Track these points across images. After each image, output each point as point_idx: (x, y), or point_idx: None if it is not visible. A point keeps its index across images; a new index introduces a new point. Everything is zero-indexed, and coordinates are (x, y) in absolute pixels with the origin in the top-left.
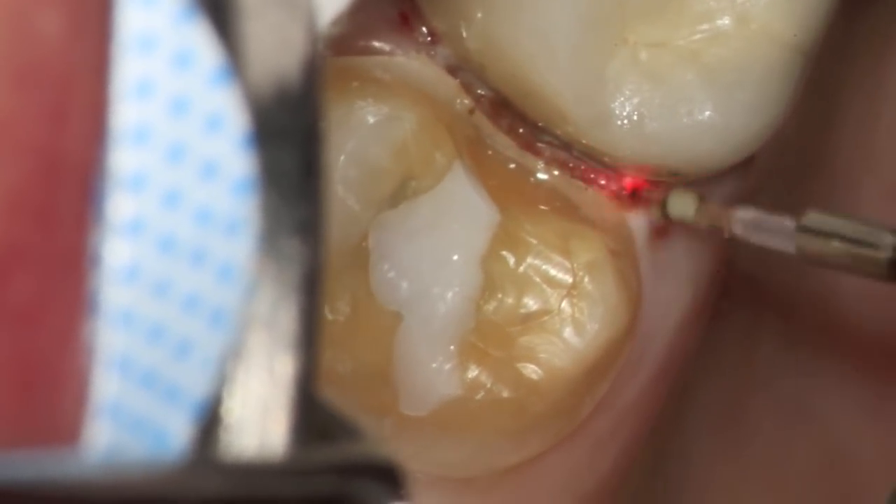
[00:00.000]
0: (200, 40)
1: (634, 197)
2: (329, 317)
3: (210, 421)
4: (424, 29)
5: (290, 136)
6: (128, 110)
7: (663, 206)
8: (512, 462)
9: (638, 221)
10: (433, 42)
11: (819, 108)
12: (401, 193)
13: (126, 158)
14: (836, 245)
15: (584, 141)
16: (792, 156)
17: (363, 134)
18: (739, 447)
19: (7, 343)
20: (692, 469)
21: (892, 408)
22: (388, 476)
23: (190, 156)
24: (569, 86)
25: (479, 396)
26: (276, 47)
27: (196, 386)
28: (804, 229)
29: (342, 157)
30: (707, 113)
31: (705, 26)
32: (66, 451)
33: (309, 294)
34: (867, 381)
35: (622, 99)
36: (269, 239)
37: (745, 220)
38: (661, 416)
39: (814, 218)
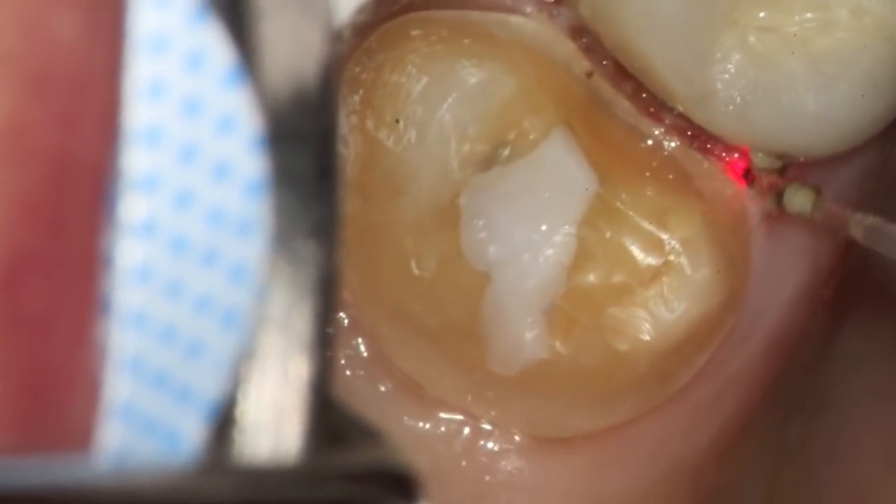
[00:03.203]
0: (213, 41)
1: (749, 176)
2: (416, 272)
3: (224, 423)
4: None
5: (306, 137)
6: (140, 111)
7: (780, 197)
8: (601, 426)
9: (754, 196)
10: (557, 3)
11: None
12: (495, 157)
13: (138, 159)
14: None
15: (690, 117)
16: None
17: (461, 93)
18: None
19: (20, 349)
20: (836, 432)
21: None
22: (404, 483)
23: (202, 157)
24: (672, 63)
25: (565, 362)
26: (293, 49)
27: (209, 387)
28: None
29: (438, 115)
30: (809, 102)
31: (818, 15)
32: (77, 456)
33: (324, 296)
34: None
35: (726, 81)
36: (284, 241)
37: (865, 226)
38: (785, 385)
39: None
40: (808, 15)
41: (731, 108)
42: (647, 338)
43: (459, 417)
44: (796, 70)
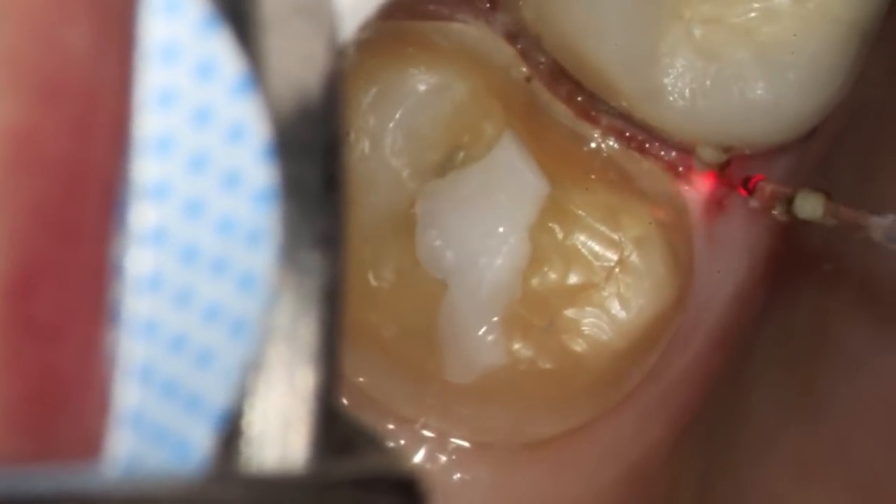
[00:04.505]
0: (223, 50)
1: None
2: (374, 283)
3: (231, 433)
4: None
5: (311, 149)
6: (151, 120)
7: (789, 205)
8: (558, 431)
9: (693, 193)
10: (492, 9)
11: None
12: (449, 163)
13: (149, 168)
14: None
15: (636, 115)
16: (868, 123)
17: (413, 102)
18: (810, 414)
19: (32, 357)
20: (756, 436)
21: None
22: (409, 490)
23: (212, 165)
24: (620, 60)
25: (522, 367)
26: (298, 61)
27: (218, 396)
28: None
29: (391, 125)
30: (759, 91)
31: (761, 4)
32: (87, 464)
33: (329, 307)
34: None
35: (674, 75)
36: (290, 252)
37: (884, 227)
38: (718, 384)
39: None
40: (751, 4)
41: (680, 102)
42: (604, 338)
43: (415, 430)
44: (744, 60)
